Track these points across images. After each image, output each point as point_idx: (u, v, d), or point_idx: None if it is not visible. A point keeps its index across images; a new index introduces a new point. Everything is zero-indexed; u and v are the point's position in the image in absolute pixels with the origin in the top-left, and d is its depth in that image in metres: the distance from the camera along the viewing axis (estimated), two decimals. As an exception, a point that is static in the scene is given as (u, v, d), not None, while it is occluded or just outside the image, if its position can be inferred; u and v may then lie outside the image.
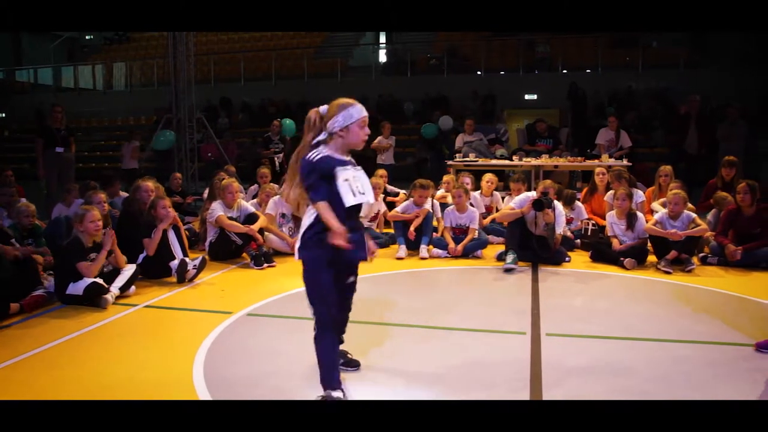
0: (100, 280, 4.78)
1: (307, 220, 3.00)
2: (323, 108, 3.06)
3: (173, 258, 5.50)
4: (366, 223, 7.25)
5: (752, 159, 9.52)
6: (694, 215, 6.13)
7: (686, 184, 7.16)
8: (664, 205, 6.41)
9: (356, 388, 3.21)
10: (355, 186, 2.95)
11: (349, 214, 2.97)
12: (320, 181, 2.91)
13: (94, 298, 4.68)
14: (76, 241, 4.87)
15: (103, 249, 4.89)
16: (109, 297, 4.74)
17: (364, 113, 3.02)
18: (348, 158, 3.05)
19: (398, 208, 6.86)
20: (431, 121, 12.79)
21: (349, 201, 2.91)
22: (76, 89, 21.91)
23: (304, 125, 3.07)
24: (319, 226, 2.93)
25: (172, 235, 5.67)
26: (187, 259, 5.55)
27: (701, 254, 6.24)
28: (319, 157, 2.94)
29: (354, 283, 3.21)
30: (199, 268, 5.54)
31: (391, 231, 7.34)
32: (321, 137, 3.02)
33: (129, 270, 5.07)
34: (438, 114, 13.00)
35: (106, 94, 21.32)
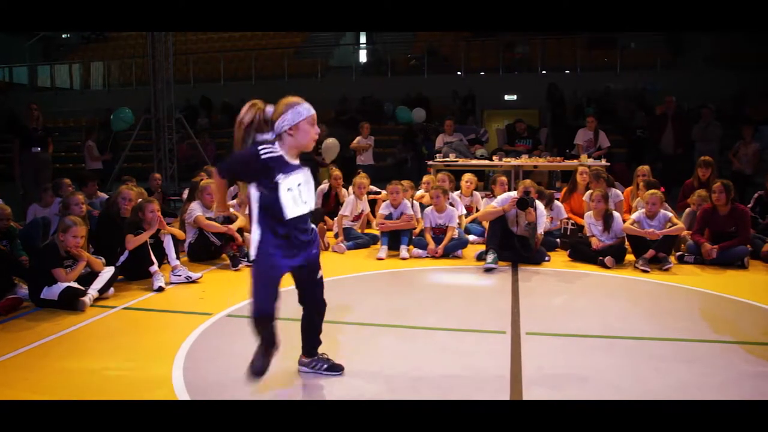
0: (75, 284, 4.72)
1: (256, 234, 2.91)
2: (269, 108, 2.96)
3: (152, 263, 5.38)
4: (348, 223, 7.24)
5: (727, 159, 9.65)
6: (670, 214, 6.22)
7: (663, 183, 7.24)
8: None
9: (336, 388, 3.22)
10: (299, 195, 2.88)
11: (298, 218, 2.91)
12: (249, 174, 2.85)
13: (70, 302, 4.61)
14: (53, 246, 4.81)
15: (80, 261, 4.85)
16: (87, 299, 4.68)
17: (313, 111, 2.94)
18: (297, 162, 2.94)
19: (382, 210, 6.84)
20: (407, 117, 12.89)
21: (290, 213, 2.85)
22: (53, 88, 21.58)
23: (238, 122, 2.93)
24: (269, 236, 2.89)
25: (168, 242, 5.61)
26: (180, 272, 5.49)
27: (678, 253, 6.32)
28: (270, 155, 2.83)
29: (321, 278, 3.20)
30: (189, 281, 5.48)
31: (373, 231, 7.33)
32: (267, 136, 2.91)
33: (107, 272, 5.01)
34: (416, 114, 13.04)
35: (84, 94, 21.01)
